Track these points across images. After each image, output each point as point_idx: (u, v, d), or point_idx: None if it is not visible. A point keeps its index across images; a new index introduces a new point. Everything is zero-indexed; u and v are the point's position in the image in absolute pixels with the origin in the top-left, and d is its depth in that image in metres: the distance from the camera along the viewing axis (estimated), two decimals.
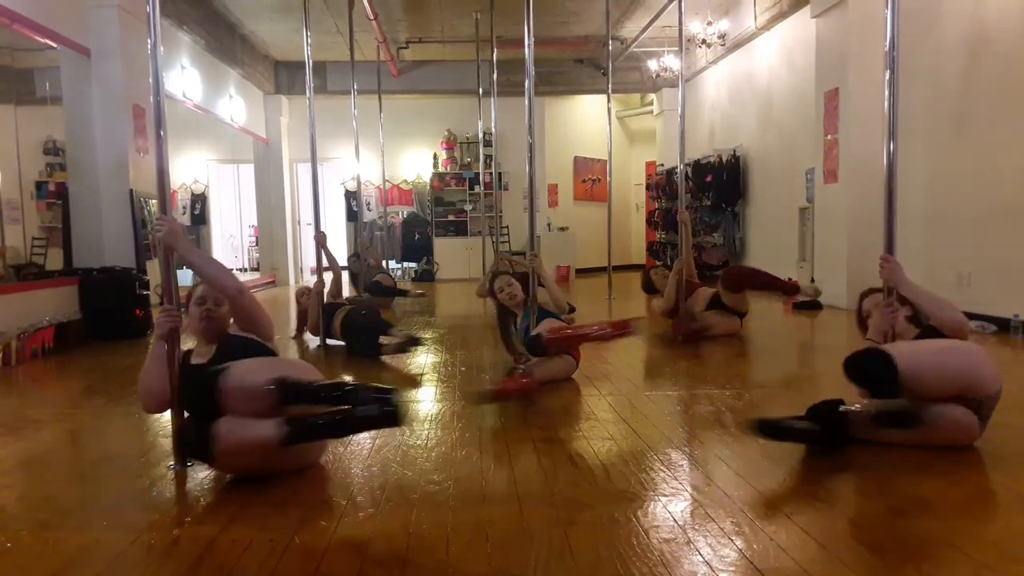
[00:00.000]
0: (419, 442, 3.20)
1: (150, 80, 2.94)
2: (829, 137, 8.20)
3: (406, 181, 15.36)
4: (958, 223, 6.62)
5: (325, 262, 6.17)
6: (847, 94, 7.82)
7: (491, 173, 13.08)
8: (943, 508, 2.33)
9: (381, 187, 13.43)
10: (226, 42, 11.24)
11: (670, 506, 2.39)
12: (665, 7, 10.08)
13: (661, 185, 14.04)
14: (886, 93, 3.19)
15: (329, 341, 5.96)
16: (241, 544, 2.14)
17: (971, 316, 6.11)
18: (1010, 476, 2.61)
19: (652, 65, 12.86)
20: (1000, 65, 6.14)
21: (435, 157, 15.11)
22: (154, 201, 7.66)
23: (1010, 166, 6.01)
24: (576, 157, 16.03)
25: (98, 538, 2.24)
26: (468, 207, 14.90)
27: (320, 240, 6.12)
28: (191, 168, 14.60)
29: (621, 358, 5.22)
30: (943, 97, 6.79)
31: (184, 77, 9.74)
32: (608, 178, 10.12)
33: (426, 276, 14.43)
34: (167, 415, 2.99)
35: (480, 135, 11.91)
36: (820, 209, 8.59)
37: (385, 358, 5.37)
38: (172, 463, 2.89)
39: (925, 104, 6.94)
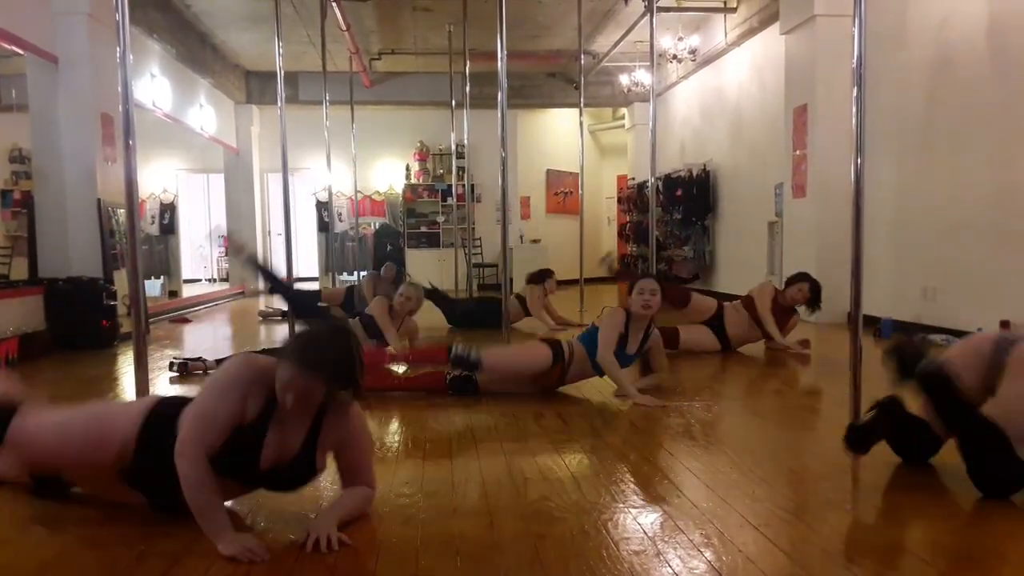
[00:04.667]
0: (389, 455, 3.19)
1: (119, 88, 2.91)
2: (798, 152, 8.31)
3: (378, 192, 15.32)
4: (924, 238, 6.73)
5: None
6: (815, 110, 7.93)
7: (464, 185, 13.09)
8: (907, 518, 2.36)
9: (353, 198, 13.38)
10: (197, 51, 11.16)
11: (640, 518, 2.39)
12: (637, 22, 10.17)
13: (632, 199, 14.13)
14: (853, 110, 3.24)
15: None
16: (208, 559, 2.11)
17: (936, 330, 6.22)
18: (971, 486, 2.64)
19: (624, 80, 12.97)
20: (964, 84, 6.27)
21: (407, 168, 15.09)
22: (122, 210, 7.56)
23: (974, 182, 6.13)
24: (548, 170, 16.10)
25: (62, 552, 2.20)
26: (441, 219, 14.89)
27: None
28: (160, 177, 14.45)
29: None
30: (909, 114, 6.92)
31: (154, 86, 9.65)
32: (580, 191, 10.16)
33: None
34: None
35: (453, 147, 11.92)
36: (789, 223, 8.69)
37: None
38: None
39: (891, 121, 7.06)
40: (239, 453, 2.18)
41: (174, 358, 5.40)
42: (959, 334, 6.07)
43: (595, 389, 4.59)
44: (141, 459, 2.31)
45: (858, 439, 2.87)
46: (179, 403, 2.36)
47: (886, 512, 2.39)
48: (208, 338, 7.98)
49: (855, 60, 3.23)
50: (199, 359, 5.35)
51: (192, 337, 8.09)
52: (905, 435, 2.83)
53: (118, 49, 2.89)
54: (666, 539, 2.22)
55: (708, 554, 2.10)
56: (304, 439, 2.24)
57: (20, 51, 6.92)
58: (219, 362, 5.28)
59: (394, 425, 3.76)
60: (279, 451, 2.22)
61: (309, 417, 2.24)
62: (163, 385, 5.03)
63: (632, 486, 2.72)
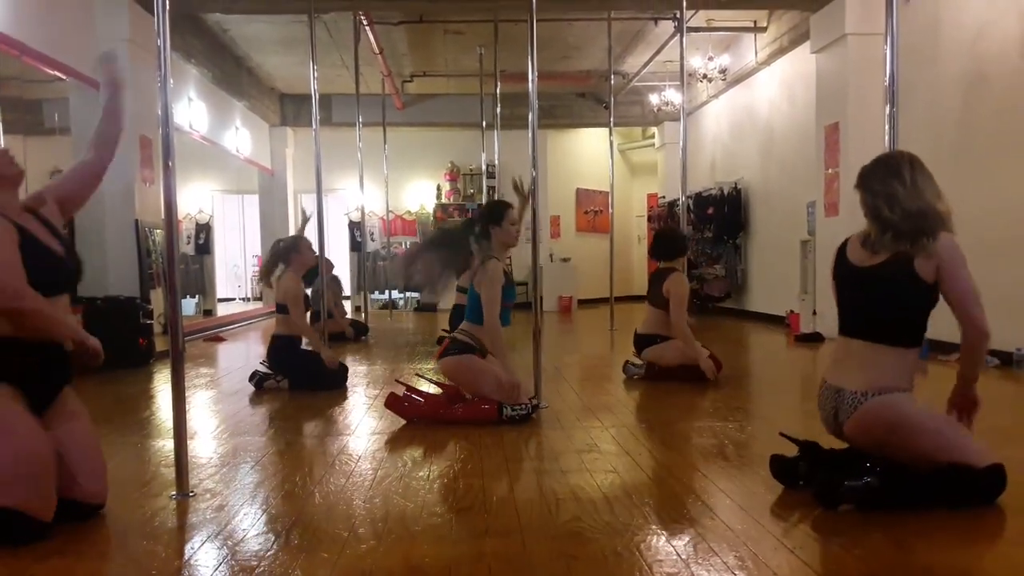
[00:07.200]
0: (421, 473, 3.20)
1: (158, 112, 2.97)
2: (830, 171, 8.25)
3: (409, 212, 15.44)
4: None
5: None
6: (847, 128, 7.88)
7: None
8: (944, 540, 2.32)
9: (385, 218, 13.50)
10: (233, 75, 11.36)
11: (673, 540, 2.38)
12: (667, 42, 10.19)
13: (663, 217, 14.09)
14: (886, 127, 3.23)
15: None
16: (243, 575, 2.13)
17: None
18: (1011, 509, 2.60)
19: (653, 99, 12.98)
20: (999, 99, 6.20)
21: (438, 188, 15.20)
22: (159, 231, 7.71)
23: (1011, 199, 6.04)
24: (578, 189, 16.12)
25: (99, 567, 2.23)
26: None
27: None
28: (196, 198, 14.68)
29: (624, 390, 5.22)
30: (943, 131, 6.85)
31: (191, 109, 9.84)
32: (610, 210, 10.17)
33: (427, 306, 14.44)
34: (169, 444, 2.98)
35: (483, 167, 12.00)
36: (822, 242, 8.61)
37: None
38: (174, 493, 2.89)
39: (925, 138, 6.98)
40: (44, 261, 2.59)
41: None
42: (998, 355, 5.98)
43: (627, 409, 4.57)
44: None
45: (781, 471, 2.86)
46: None
47: (921, 534, 2.35)
48: (242, 356, 8.07)
49: (887, 78, 3.22)
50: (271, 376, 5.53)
51: (226, 355, 8.19)
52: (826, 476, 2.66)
53: (158, 74, 2.95)
54: (700, 561, 2.20)
55: None
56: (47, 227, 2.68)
57: (63, 76, 7.11)
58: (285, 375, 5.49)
59: (425, 444, 3.77)
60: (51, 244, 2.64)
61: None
62: (199, 403, 5.10)
63: (665, 507, 2.71)
